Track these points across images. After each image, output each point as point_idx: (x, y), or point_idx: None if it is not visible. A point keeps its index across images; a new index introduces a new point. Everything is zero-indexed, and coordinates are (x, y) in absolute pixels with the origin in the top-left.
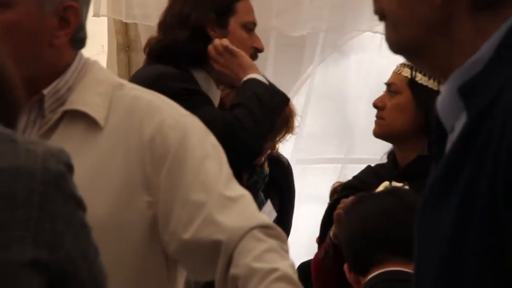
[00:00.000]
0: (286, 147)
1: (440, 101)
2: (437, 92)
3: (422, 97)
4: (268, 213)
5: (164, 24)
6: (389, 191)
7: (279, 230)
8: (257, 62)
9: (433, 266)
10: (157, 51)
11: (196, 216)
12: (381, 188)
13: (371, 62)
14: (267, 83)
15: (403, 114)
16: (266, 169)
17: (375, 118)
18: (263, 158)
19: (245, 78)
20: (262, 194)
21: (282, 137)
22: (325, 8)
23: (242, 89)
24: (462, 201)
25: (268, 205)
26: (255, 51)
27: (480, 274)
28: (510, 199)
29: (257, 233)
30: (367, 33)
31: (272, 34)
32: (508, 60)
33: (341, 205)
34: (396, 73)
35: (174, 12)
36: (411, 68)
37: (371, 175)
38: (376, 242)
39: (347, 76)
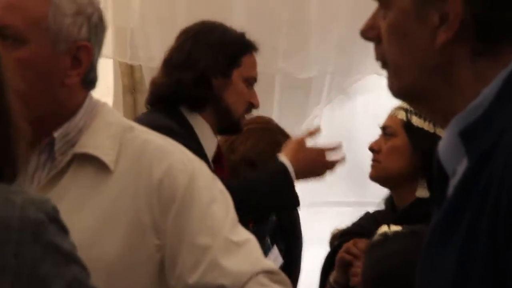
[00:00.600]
0: None
1: (441, 145)
2: (432, 135)
3: (418, 139)
4: (274, 259)
5: (170, 64)
6: (410, 231)
7: (283, 275)
8: (263, 104)
9: None
10: (161, 92)
11: (201, 260)
12: (379, 232)
13: (377, 104)
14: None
15: (399, 157)
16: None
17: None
18: None
19: (280, 159)
20: (268, 240)
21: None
22: (332, 51)
23: (266, 169)
24: (464, 243)
25: (274, 251)
26: (251, 106)
27: None
28: (511, 240)
29: (261, 278)
30: (372, 75)
31: (278, 76)
32: (508, 105)
33: (343, 249)
34: (392, 116)
35: (182, 54)
36: (406, 111)
37: (370, 220)
38: (394, 286)
39: (354, 117)
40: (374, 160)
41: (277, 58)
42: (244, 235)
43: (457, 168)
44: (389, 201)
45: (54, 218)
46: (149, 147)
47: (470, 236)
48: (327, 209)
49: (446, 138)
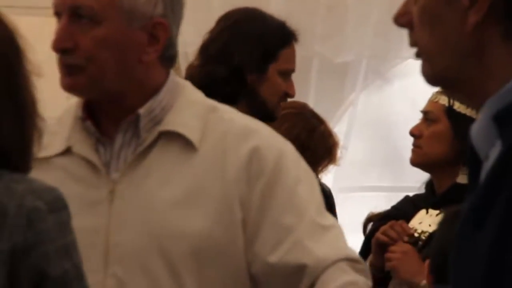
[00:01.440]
0: (329, 176)
1: (474, 129)
2: (475, 120)
3: (460, 125)
4: None
5: (206, 53)
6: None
7: (365, 265)
8: (299, 88)
9: None
10: (194, 82)
11: (284, 240)
12: (417, 216)
13: (415, 89)
14: None
15: (441, 143)
16: None
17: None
18: None
19: None
20: None
21: (324, 167)
22: (369, 35)
23: None
24: (498, 227)
25: None
26: (285, 96)
27: None
28: None
29: (344, 265)
30: (409, 60)
31: (315, 60)
32: None
33: (380, 231)
34: (433, 101)
35: (218, 44)
36: (449, 96)
37: (408, 204)
38: None
39: (391, 103)
40: (415, 145)
41: (314, 42)
42: (330, 219)
43: (490, 152)
44: (429, 185)
45: (55, 208)
46: (235, 125)
47: (505, 220)
48: (362, 194)
49: (479, 122)
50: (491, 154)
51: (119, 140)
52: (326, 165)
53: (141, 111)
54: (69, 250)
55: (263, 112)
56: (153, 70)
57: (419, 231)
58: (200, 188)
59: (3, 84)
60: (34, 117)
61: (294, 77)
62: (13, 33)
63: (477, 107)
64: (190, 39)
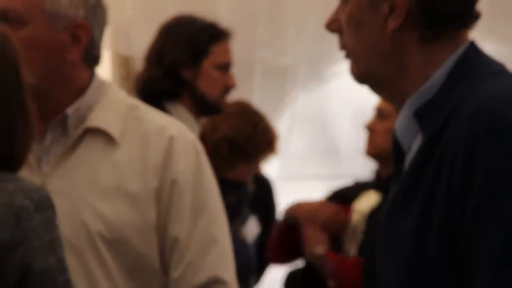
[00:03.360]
0: (273, 167)
1: (397, 124)
2: None
3: None
4: (253, 228)
5: (146, 60)
6: None
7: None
8: (244, 91)
9: (397, 273)
10: (138, 87)
11: (179, 244)
12: (361, 197)
13: (349, 87)
14: None
15: None
16: (251, 187)
17: (365, 139)
18: (248, 178)
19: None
20: (246, 211)
21: (266, 158)
22: (307, 40)
23: None
24: (421, 212)
25: (253, 220)
26: (226, 89)
27: (440, 277)
28: (464, 206)
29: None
30: (343, 62)
31: (257, 64)
32: (457, 86)
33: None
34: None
35: (153, 50)
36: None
37: (355, 187)
38: None
39: (327, 100)
40: (370, 139)
41: (256, 47)
42: (221, 230)
43: (412, 144)
44: (377, 173)
45: (41, 207)
46: (154, 125)
47: (427, 205)
48: (301, 183)
49: (402, 118)
50: (413, 146)
51: (49, 137)
52: (267, 156)
53: (69, 111)
54: (54, 245)
55: (205, 105)
56: (79, 71)
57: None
58: (122, 183)
59: None
60: (26, 120)
61: (239, 79)
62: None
63: (398, 104)
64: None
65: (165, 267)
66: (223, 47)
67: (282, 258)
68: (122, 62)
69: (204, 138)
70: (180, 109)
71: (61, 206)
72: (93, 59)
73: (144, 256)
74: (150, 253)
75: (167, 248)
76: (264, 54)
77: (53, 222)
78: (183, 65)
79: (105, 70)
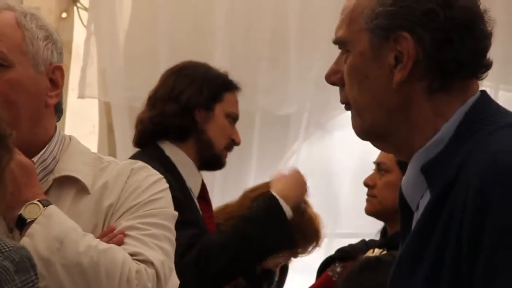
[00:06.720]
0: None
1: (404, 181)
2: None
3: None
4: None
5: (154, 98)
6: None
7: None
8: (243, 140)
9: None
10: (145, 126)
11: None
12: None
13: (353, 139)
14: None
15: (394, 192)
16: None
17: (366, 196)
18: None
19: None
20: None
21: (307, 251)
22: (310, 88)
23: (258, 206)
24: (429, 274)
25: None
26: (232, 143)
27: None
28: (473, 268)
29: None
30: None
31: (258, 113)
32: (466, 140)
33: None
34: (386, 153)
35: (166, 88)
36: (378, 149)
37: (362, 244)
38: None
39: (331, 152)
40: (369, 195)
41: (257, 96)
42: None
43: (420, 202)
44: (383, 232)
45: (22, 268)
46: (117, 167)
47: (435, 267)
48: None
49: (409, 174)
50: (421, 204)
51: None
52: (310, 249)
53: (35, 159)
54: None
55: (210, 153)
56: (51, 119)
57: None
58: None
59: None
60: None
61: (239, 129)
62: None
63: (405, 159)
64: (138, 94)
65: None
66: (234, 98)
67: None
68: (108, 110)
69: (205, 193)
70: (183, 157)
71: None
72: (60, 110)
73: None
74: None
75: None
76: (265, 102)
77: (34, 284)
78: (198, 106)
79: (93, 118)
